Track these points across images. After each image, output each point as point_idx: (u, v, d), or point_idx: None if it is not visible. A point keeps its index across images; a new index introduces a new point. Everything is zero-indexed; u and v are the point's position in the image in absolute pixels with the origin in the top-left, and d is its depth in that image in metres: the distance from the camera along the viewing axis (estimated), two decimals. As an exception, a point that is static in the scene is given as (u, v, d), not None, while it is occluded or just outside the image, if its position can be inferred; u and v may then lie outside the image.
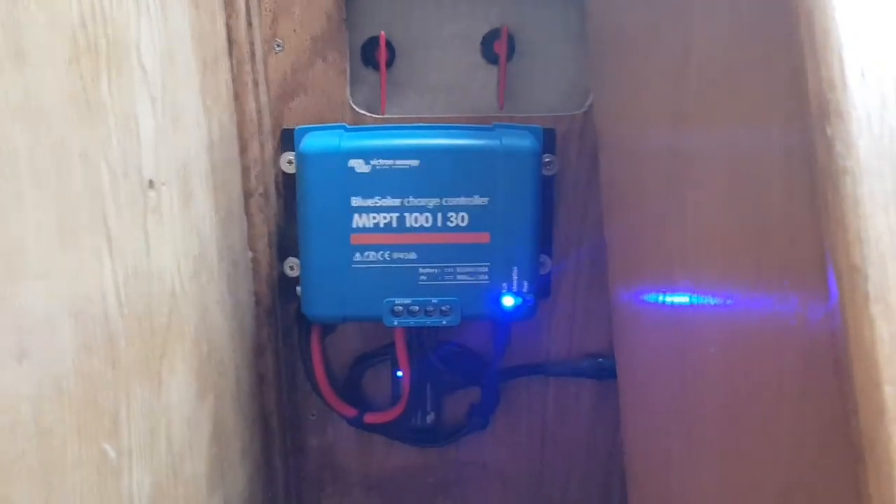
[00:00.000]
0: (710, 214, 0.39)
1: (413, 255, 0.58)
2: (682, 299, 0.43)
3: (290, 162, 0.61)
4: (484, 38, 0.64)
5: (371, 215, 0.57)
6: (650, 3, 0.46)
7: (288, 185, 0.62)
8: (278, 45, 0.61)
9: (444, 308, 0.59)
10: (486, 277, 0.59)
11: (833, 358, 0.25)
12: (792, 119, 0.28)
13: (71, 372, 0.33)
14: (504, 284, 0.59)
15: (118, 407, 0.38)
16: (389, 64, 0.64)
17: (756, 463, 0.33)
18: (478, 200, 0.58)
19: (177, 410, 0.45)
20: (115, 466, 0.37)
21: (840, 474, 0.25)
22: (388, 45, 0.63)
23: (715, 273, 0.38)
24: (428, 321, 0.59)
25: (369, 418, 0.67)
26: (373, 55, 0.63)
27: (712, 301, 0.39)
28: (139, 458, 0.40)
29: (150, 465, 0.42)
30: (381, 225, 0.58)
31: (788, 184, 0.29)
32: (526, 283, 0.59)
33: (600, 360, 0.67)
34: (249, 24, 0.58)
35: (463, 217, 0.58)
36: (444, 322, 0.59)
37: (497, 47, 0.63)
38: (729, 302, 0.36)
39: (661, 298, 0.46)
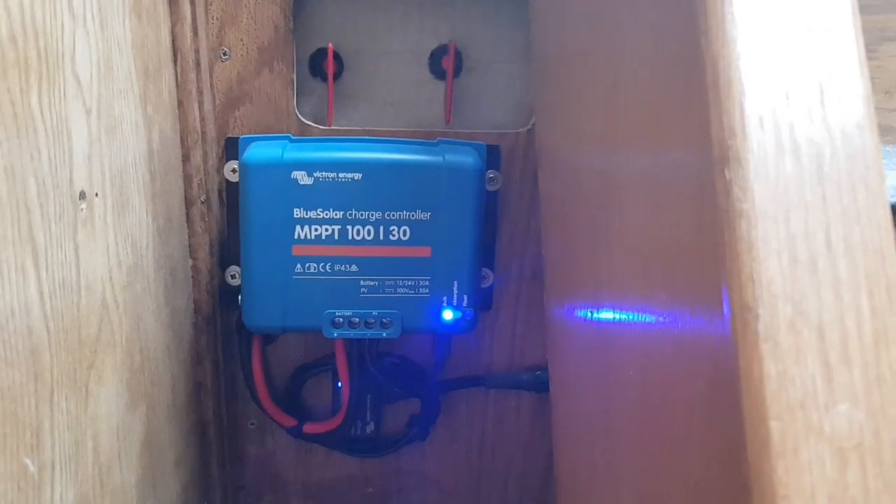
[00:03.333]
0: (633, 237, 0.40)
1: (354, 268, 0.59)
2: (607, 319, 0.44)
3: (234, 171, 0.61)
4: (432, 53, 0.65)
5: (313, 227, 0.58)
6: (584, 37, 0.47)
7: (232, 194, 0.62)
8: (224, 54, 0.61)
9: (384, 320, 0.60)
10: (427, 291, 0.60)
11: (730, 391, 0.26)
12: (701, 160, 0.29)
13: (-11, 387, 0.33)
14: (444, 298, 0.60)
15: (41, 420, 0.37)
16: (337, 76, 0.64)
17: (669, 487, 0.34)
18: (420, 215, 0.58)
19: (105, 421, 0.45)
20: (37, 480, 0.37)
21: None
22: (337, 56, 0.63)
23: (635, 295, 0.39)
24: (368, 333, 0.60)
25: (309, 428, 0.67)
26: (321, 66, 0.63)
27: (633, 323, 0.40)
28: (63, 470, 0.40)
29: (75, 478, 0.41)
30: (323, 237, 0.58)
31: (698, 218, 0.30)
32: (466, 298, 0.60)
33: (539, 372, 0.68)
34: (195, 32, 0.58)
35: (405, 231, 0.58)
36: (385, 334, 0.60)
37: (445, 63, 0.64)
38: (647, 325, 0.38)
39: (589, 316, 0.47)
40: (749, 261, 0.25)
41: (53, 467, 0.39)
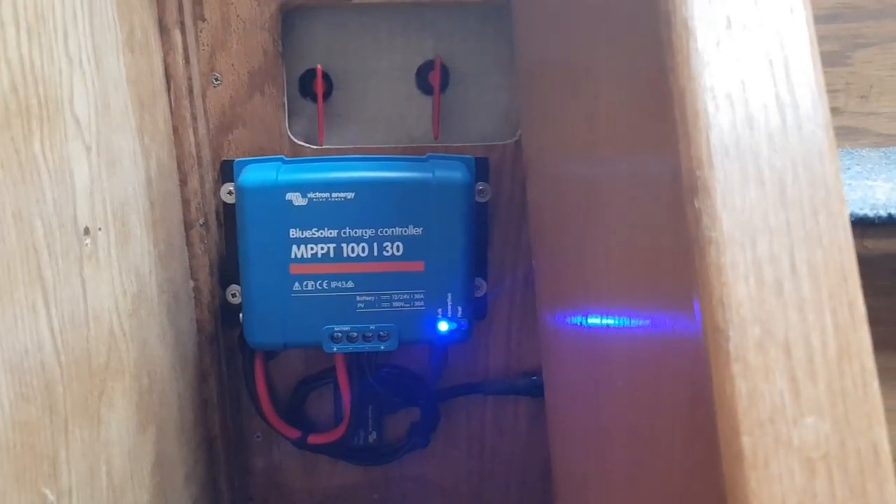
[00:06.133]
0: (616, 250, 0.41)
1: (351, 284, 0.60)
2: (595, 329, 0.45)
3: (230, 193, 0.63)
4: (419, 69, 0.66)
5: (309, 246, 0.59)
6: (566, 53, 0.48)
7: (229, 215, 0.64)
8: (216, 80, 0.62)
9: (381, 333, 0.61)
10: (422, 304, 0.61)
11: (706, 407, 0.28)
12: (673, 181, 0.31)
13: (8, 423, 0.34)
14: (439, 310, 0.62)
15: (56, 450, 0.39)
16: (327, 95, 0.66)
17: (655, 494, 0.36)
18: (412, 230, 0.60)
19: (117, 445, 0.47)
20: (55, 508, 0.39)
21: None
22: (326, 76, 0.65)
23: (620, 305, 0.41)
24: (366, 346, 0.62)
25: (313, 439, 0.69)
26: (310, 87, 0.65)
27: (620, 335, 0.41)
28: (79, 496, 0.42)
29: (91, 502, 0.43)
30: (319, 255, 0.60)
31: (674, 238, 0.32)
32: (460, 309, 0.62)
33: (535, 378, 0.69)
34: (187, 60, 0.59)
35: (398, 247, 0.60)
36: (382, 347, 0.62)
37: (431, 78, 0.66)
38: (632, 337, 0.39)
39: (578, 325, 0.49)
40: (719, 285, 0.27)
41: (70, 494, 0.40)
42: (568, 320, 0.52)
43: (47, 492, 0.38)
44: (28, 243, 0.36)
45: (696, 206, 0.27)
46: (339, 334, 0.61)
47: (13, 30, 0.35)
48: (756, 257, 0.27)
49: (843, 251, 0.27)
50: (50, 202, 0.38)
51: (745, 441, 0.26)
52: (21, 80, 0.36)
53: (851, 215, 0.31)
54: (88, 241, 0.43)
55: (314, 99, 0.65)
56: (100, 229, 0.45)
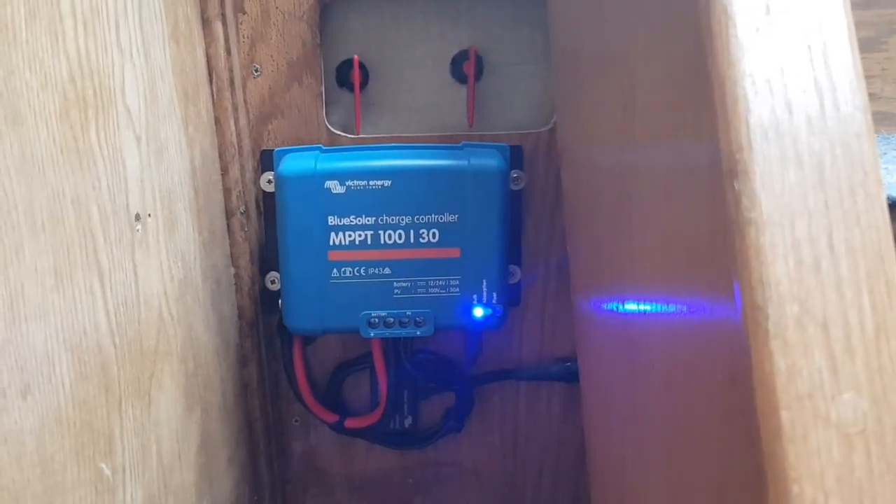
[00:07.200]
0: (653, 236, 0.42)
1: (387, 270, 0.62)
2: (631, 314, 0.46)
3: (269, 181, 0.64)
4: (454, 58, 0.67)
5: (347, 233, 0.61)
6: (602, 40, 0.49)
7: (268, 204, 0.65)
8: (256, 71, 0.64)
9: (418, 319, 0.63)
10: (458, 290, 0.62)
11: (745, 383, 0.29)
12: (712, 166, 0.31)
13: (69, 401, 0.36)
14: (474, 296, 0.63)
15: (112, 428, 0.41)
16: (363, 85, 0.67)
17: (693, 472, 0.37)
18: (448, 217, 0.61)
19: (166, 425, 0.49)
20: (111, 483, 0.40)
21: (755, 490, 0.29)
22: (362, 66, 0.66)
23: (657, 291, 0.42)
24: (403, 332, 0.63)
25: (350, 423, 0.70)
26: (347, 77, 0.66)
27: (656, 318, 0.42)
28: (132, 473, 0.43)
29: (143, 479, 0.45)
30: (357, 242, 0.61)
31: (712, 221, 0.32)
32: (495, 295, 0.63)
33: (568, 364, 0.70)
34: (228, 52, 0.61)
35: (434, 233, 0.61)
36: (419, 333, 0.63)
37: (466, 68, 0.66)
38: (669, 320, 0.40)
39: (613, 311, 0.50)
40: (758, 265, 0.27)
41: (124, 471, 0.42)
42: (604, 306, 0.52)
43: (104, 466, 0.39)
44: (85, 228, 0.38)
45: (736, 188, 0.28)
46: (376, 320, 0.62)
47: (71, 22, 0.37)
48: (795, 238, 0.27)
49: (881, 231, 0.28)
50: (105, 189, 0.40)
51: (784, 416, 0.26)
52: (78, 71, 0.37)
53: (888, 198, 0.32)
54: (139, 226, 0.44)
55: (351, 89, 0.66)
56: (149, 216, 0.46)
